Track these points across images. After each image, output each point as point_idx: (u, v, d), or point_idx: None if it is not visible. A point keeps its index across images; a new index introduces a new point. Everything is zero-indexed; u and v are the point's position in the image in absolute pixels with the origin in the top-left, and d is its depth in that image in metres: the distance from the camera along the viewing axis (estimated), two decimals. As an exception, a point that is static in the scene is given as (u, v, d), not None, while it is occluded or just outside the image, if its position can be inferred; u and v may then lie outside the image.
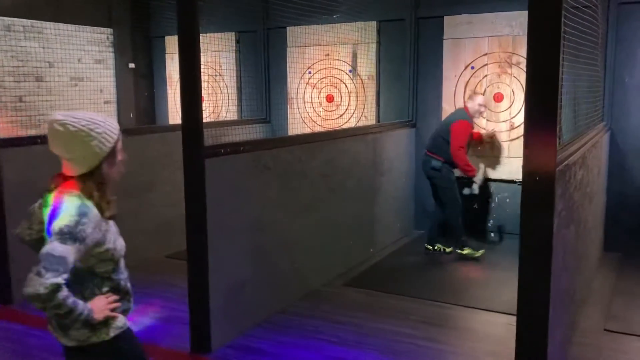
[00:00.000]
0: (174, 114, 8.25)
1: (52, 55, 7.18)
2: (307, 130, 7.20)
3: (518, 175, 5.81)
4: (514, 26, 6.19)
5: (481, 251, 5.74)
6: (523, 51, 5.93)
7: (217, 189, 3.76)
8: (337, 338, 4.00)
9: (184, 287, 3.88)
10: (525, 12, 2.57)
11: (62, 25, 7.21)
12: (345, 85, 7.18)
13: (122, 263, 2.21)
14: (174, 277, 5.23)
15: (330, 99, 7.32)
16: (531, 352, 2.71)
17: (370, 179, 5.87)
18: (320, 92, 7.35)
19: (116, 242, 2.13)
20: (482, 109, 5.70)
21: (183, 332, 3.91)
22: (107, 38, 8.00)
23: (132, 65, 8.30)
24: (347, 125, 7.07)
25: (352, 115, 7.19)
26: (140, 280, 5.19)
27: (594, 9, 4.56)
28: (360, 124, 6.98)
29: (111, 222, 2.14)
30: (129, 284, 2.25)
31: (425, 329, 4.19)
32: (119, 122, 8.80)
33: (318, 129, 7.21)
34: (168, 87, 8.45)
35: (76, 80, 7.54)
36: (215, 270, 3.77)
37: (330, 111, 7.33)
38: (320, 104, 7.38)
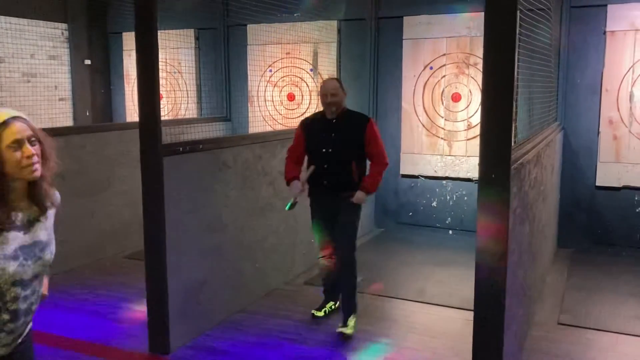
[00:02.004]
0: (132, 112, 8.11)
1: (2, 50, 6.95)
2: (268, 129, 7.18)
3: (475, 174, 5.93)
4: (471, 27, 6.31)
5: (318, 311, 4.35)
6: (480, 52, 6.04)
7: (175, 188, 3.71)
8: (298, 336, 4.01)
9: (142, 288, 3.82)
10: (482, 14, 2.62)
11: (13, 19, 6.99)
12: (306, 84, 7.19)
13: (8, 294, 1.73)
14: (132, 277, 5.15)
15: (291, 97, 7.31)
16: (488, 346, 2.77)
17: (331, 177, 5.87)
18: (281, 91, 7.34)
19: None
20: (322, 98, 4.06)
21: (141, 333, 3.84)
22: (62, 33, 7.80)
23: (88, 62, 8.12)
24: (308, 124, 7.06)
25: (313, 114, 7.20)
26: (97, 281, 5.15)
27: (547, 12, 4.68)
28: (321, 122, 6.99)
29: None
30: (9, 327, 1.77)
31: (385, 325, 4.24)
32: (75, 119, 8.48)
33: (279, 127, 7.20)
34: (125, 84, 8.29)
35: (29, 77, 7.31)
36: (173, 270, 3.72)
37: (291, 109, 7.33)
38: (281, 102, 7.37)
